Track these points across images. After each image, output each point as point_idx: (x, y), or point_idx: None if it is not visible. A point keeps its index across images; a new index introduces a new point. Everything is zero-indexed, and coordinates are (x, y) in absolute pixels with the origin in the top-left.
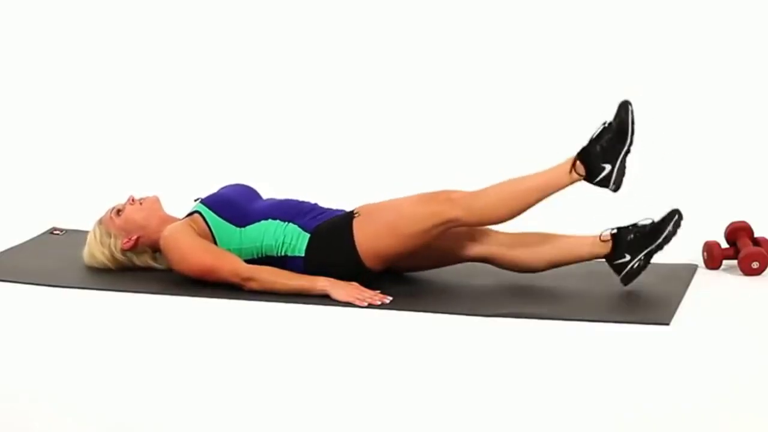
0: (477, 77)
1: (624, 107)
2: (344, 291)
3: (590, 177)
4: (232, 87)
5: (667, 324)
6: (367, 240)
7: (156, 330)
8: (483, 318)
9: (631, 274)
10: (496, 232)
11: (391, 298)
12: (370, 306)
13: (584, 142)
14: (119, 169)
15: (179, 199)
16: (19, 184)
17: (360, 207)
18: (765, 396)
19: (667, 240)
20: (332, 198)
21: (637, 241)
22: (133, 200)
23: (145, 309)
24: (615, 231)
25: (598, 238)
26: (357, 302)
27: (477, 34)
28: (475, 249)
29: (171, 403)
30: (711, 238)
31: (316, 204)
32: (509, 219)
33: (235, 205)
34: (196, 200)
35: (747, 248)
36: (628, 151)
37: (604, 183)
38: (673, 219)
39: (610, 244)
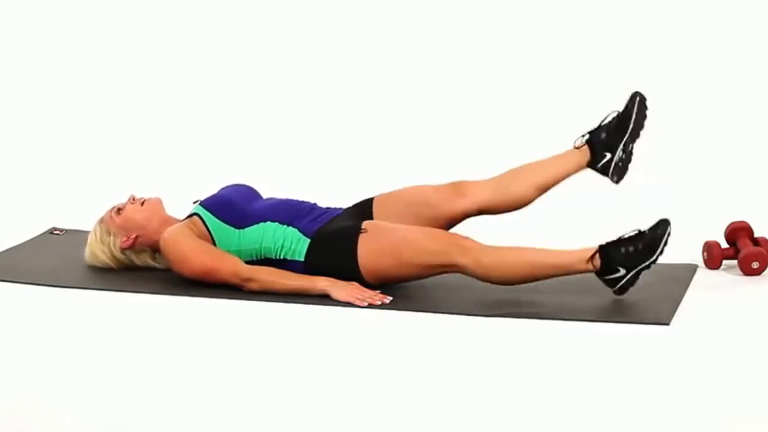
0: (477, 77)
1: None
2: (344, 291)
3: (602, 273)
4: (232, 87)
5: (667, 324)
6: (369, 257)
7: (156, 330)
8: (483, 318)
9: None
10: (479, 182)
11: (391, 298)
12: (370, 306)
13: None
14: (119, 169)
15: (179, 200)
16: (19, 184)
17: (368, 223)
18: (765, 396)
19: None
20: (332, 198)
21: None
22: (133, 199)
23: (145, 309)
24: (586, 135)
25: (573, 148)
26: (357, 302)
27: (477, 34)
28: (466, 205)
29: (171, 403)
30: (711, 238)
31: (315, 204)
32: (512, 285)
33: (234, 207)
34: (195, 202)
35: (747, 248)
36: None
37: (613, 284)
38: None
39: (587, 148)
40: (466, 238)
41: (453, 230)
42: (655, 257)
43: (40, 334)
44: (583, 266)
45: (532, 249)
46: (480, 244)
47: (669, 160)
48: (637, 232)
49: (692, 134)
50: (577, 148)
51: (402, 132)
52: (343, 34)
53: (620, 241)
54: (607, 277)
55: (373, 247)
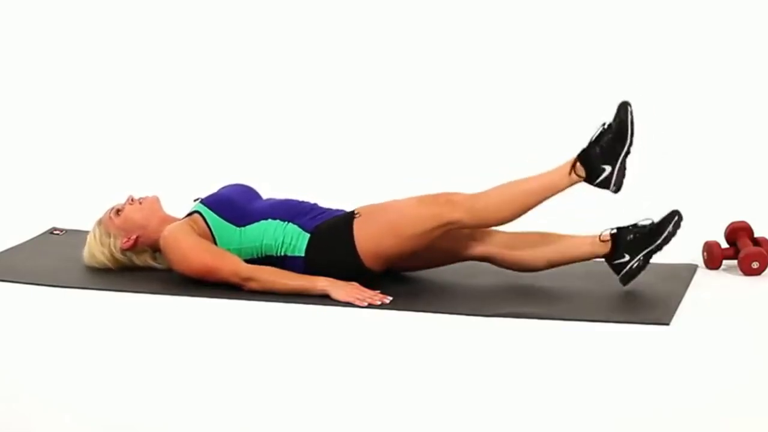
0: (477, 78)
1: (624, 108)
2: (344, 291)
3: (590, 179)
4: (232, 87)
5: (667, 324)
6: (367, 240)
7: (156, 330)
8: (483, 318)
9: (630, 274)
10: (497, 231)
11: (391, 298)
12: (370, 306)
13: (584, 144)
14: (119, 169)
15: (179, 199)
16: (19, 184)
17: (360, 207)
18: (765, 396)
19: (666, 241)
20: (332, 198)
21: (636, 242)
22: (132, 200)
23: (145, 309)
24: (615, 231)
25: (597, 238)
26: (357, 302)
27: (477, 35)
28: (476, 248)
29: (171, 403)
30: (711, 238)
31: (315, 204)
32: (510, 221)
33: (235, 205)
34: (195, 200)
35: (747, 248)
36: (627, 152)
37: (604, 184)
38: (673, 220)
39: (609, 243)
40: (454, 193)
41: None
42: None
43: (40, 334)
44: (568, 179)
45: (516, 182)
46: (468, 194)
47: (669, 161)
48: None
49: (692, 134)
50: (602, 240)
51: (402, 133)
52: (344, 34)
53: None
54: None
55: (369, 230)
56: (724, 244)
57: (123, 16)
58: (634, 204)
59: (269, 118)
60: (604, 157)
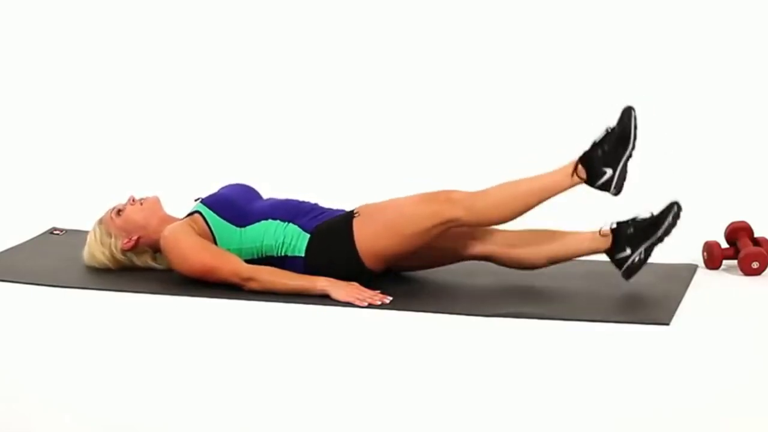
0: (477, 77)
1: (627, 113)
2: (344, 291)
3: (591, 181)
4: (232, 87)
5: (667, 324)
6: (366, 240)
7: (156, 330)
8: (483, 318)
9: (632, 269)
10: (496, 230)
11: (391, 298)
12: (370, 306)
13: (586, 146)
14: (119, 169)
15: (179, 199)
16: (19, 184)
17: (360, 207)
18: (765, 396)
19: (667, 232)
20: (332, 198)
21: (637, 235)
22: (133, 200)
23: (145, 309)
24: (614, 225)
25: (597, 233)
26: (357, 302)
27: (477, 35)
28: (476, 247)
29: (171, 403)
30: (711, 238)
31: (316, 204)
32: (509, 220)
33: (235, 205)
34: (196, 200)
35: (747, 248)
36: (629, 157)
37: (605, 187)
38: (672, 211)
39: (609, 238)
40: (454, 191)
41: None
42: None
43: (40, 334)
44: (569, 181)
45: (517, 181)
46: (468, 193)
47: (669, 161)
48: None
49: (692, 135)
50: (602, 234)
51: (402, 133)
52: (344, 35)
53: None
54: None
55: (369, 230)
56: (724, 244)
57: (123, 16)
58: (634, 204)
59: (269, 118)
60: (605, 159)
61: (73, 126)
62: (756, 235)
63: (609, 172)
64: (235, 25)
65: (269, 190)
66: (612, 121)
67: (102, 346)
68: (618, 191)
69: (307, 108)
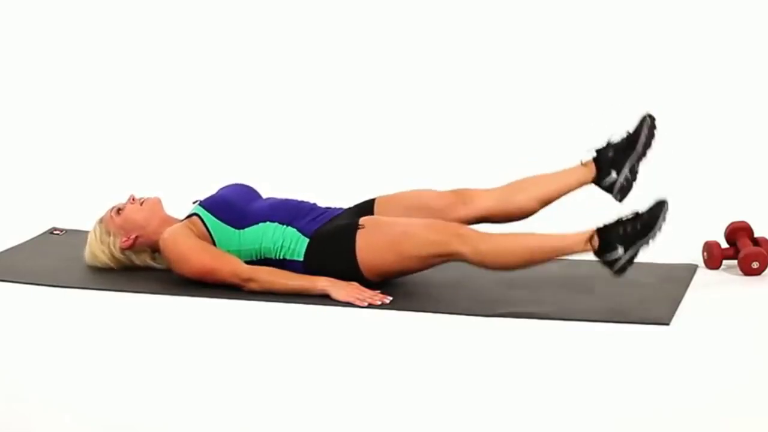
0: (478, 77)
1: (660, 205)
2: (344, 291)
3: (599, 252)
4: (232, 87)
5: (667, 324)
6: (368, 252)
7: (156, 330)
8: (483, 318)
9: (623, 268)
10: (481, 190)
11: (391, 298)
12: (370, 306)
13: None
14: (119, 169)
15: (179, 200)
16: (19, 184)
17: (366, 219)
18: (765, 396)
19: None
20: (332, 198)
21: (623, 191)
22: (133, 199)
23: (145, 309)
24: (594, 153)
25: (580, 164)
26: (357, 302)
27: (478, 35)
28: (469, 211)
29: (171, 403)
30: (711, 238)
31: (315, 204)
32: (511, 270)
33: (233, 207)
34: (194, 202)
35: (747, 248)
36: (644, 245)
37: (610, 265)
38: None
39: (593, 166)
40: (463, 227)
41: None
42: (652, 235)
43: (40, 334)
44: (582, 247)
45: (530, 234)
46: (478, 232)
47: (669, 161)
48: (635, 213)
49: (692, 134)
50: (584, 164)
51: (403, 133)
52: (345, 34)
53: (618, 222)
54: (605, 258)
55: (372, 244)
56: (724, 244)
57: (123, 16)
58: (634, 204)
59: (269, 118)
60: (622, 240)
61: (73, 126)
62: (756, 235)
63: (620, 251)
64: (235, 26)
65: (269, 190)
66: (609, 115)
67: (102, 346)
68: (621, 273)
69: (307, 108)
